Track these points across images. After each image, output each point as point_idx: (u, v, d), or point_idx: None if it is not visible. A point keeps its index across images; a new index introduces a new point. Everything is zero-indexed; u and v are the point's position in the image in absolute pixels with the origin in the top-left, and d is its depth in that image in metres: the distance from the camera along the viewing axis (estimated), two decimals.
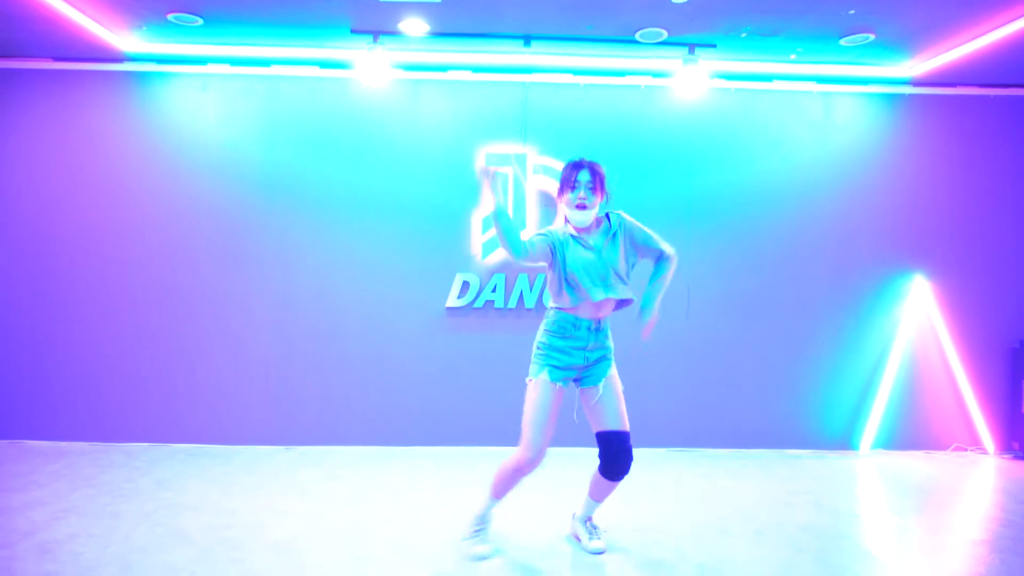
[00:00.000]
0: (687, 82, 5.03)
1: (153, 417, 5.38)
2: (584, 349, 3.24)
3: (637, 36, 4.87)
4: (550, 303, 3.32)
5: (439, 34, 4.92)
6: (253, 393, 5.41)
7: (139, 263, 5.38)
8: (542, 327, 3.31)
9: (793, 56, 5.19)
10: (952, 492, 4.58)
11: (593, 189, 3.17)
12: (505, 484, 3.34)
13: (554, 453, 5.19)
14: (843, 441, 5.55)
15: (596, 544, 3.47)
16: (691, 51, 4.93)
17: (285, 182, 5.41)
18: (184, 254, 5.38)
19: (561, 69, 5.45)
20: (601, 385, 3.25)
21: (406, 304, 5.43)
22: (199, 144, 5.39)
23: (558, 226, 3.26)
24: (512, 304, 5.42)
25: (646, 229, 3.28)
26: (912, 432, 5.56)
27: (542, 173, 5.44)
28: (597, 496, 3.45)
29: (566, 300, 3.19)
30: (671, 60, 5.24)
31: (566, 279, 3.17)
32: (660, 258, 3.31)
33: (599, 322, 3.23)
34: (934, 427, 5.57)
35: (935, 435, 5.57)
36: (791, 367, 5.53)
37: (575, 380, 3.32)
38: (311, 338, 5.42)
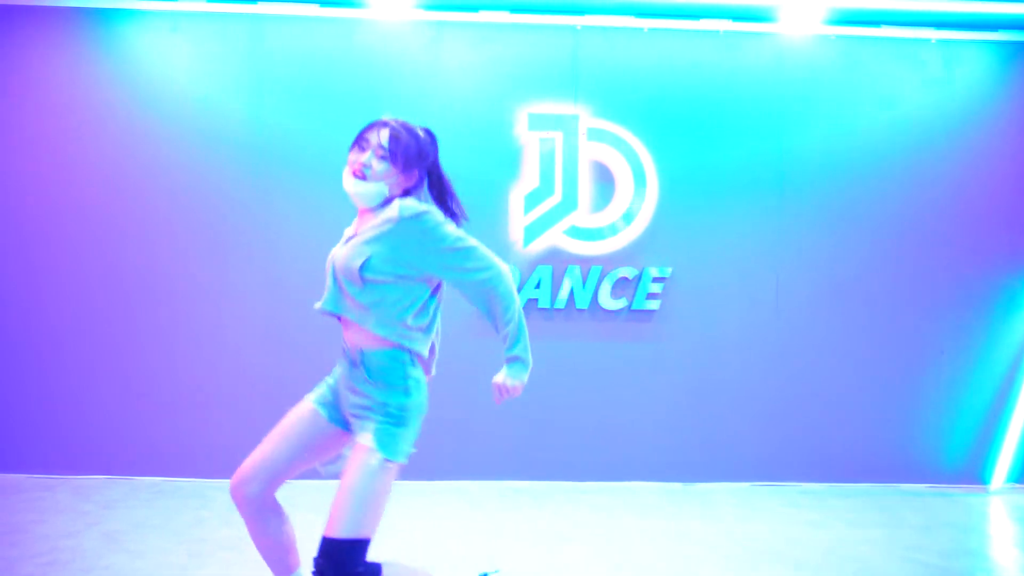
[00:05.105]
0: (796, 20, 3.98)
1: (111, 443, 4.37)
2: (346, 383, 2.22)
3: None
4: None
5: None
6: (237, 411, 4.37)
7: (92, 248, 4.38)
8: None
9: None
10: None
11: (386, 157, 2.15)
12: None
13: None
14: (969, 474, 4.55)
15: None
16: None
17: (274, 147, 4.42)
18: (149, 237, 4.38)
19: (620, 8, 4.40)
20: (346, 452, 2.21)
21: None
22: (168, 99, 4.41)
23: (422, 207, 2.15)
24: (560, 304, 4.39)
25: (458, 245, 2.10)
26: None
27: (598, 140, 4.39)
28: None
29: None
30: None
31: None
32: (479, 290, 2.13)
33: (357, 353, 2.17)
34: None
35: None
36: (904, 381, 4.54)
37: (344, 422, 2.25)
38: (308, 342, 4.39)
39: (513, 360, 2.13)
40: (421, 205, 2.12)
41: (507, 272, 2.13)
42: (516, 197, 4.39)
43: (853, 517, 3.94)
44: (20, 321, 4.35)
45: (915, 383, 4.55)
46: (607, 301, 4.39)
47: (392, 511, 3.83)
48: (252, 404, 4.37)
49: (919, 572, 3.24)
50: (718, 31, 4.49)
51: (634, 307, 4.40)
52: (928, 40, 4.57)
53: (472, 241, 2.12)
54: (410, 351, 2.15)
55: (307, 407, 2.31)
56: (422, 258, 2.10)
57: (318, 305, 2.26)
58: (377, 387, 2.13)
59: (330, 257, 2.23)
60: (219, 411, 4.38)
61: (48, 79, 4.37)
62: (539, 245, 4.37)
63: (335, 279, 2.20)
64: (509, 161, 4.41)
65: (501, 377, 2.13)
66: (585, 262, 4.39)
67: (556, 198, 4.34)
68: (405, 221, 2.09)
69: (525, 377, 2.14)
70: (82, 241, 4.37)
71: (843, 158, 4.55)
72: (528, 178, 4.37)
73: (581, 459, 4.40)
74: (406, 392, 2.14)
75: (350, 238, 2.20)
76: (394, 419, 2.12)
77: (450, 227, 2.12)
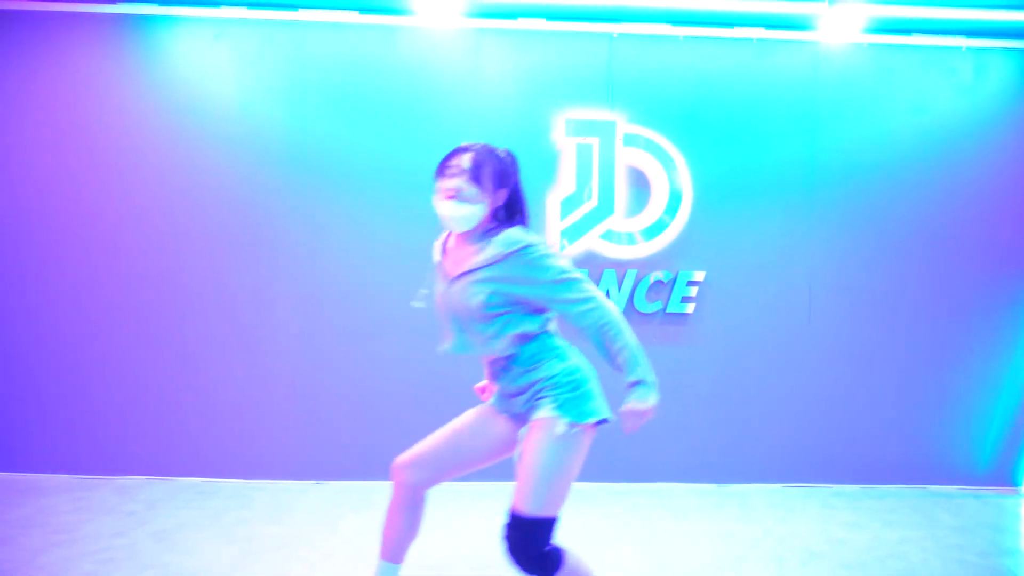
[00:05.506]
0: (830, 28, 4.03)
1: (153, 444, 4.37)
2: (507, 395, 2.33)
3: None
4: None
5: None
6: (275, 414, 4.40)
7: (133, 255, 4.37)
8: None
9: None
10: None
11: (474, 178, 2.20)
12: None
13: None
14: (999, 475, 4.55)
15: None
16: None
17: (314, 155, 4.41)
18: (189, 244, 4.38)
19: (656, 16, 4.43)
20: (521, 433, 2.27)
21: None
22: (208, 106, 4.39)
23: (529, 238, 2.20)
24: None
25: (561, 278, 2.13)
26: None
27: (634, 145, 4.43)
28: None
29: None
30: (804, 2, 4.24)
31: None
32: (585, 322, 2.15)
33: (503, 362, 2.27)
34: None
35: None
36: (935, 383, 4.54)
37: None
38: (347, 347, 4.40)
39: (635, 384, 2.13)
40: (526, 237, 2.16)
41: (609, 302, 2.17)
42: (553, 202, 4.42)
43: (889, 518, 3.96)
44: (60, 323, 4.35)
45: (946, 385, 4.55)
46: (642, 304, 4.43)
47: (439, 511, 3.88)
48: (290, 408, 4.40)
49: (962, 570, 3.28)
50: (752, 39, 4.51)
51: (669, 310, 4.44)
52: (959, 48, 4.60)
53: (575, 273, 2.15)
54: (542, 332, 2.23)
55: (485, 408, 2.39)
56: (528, 290, 2.15)
57: (444, 348, 2.35)
58: (535, 370, 2.19)
59: (437, 298, 2.32)
60: (258, 414, 4.39)
61: (90, 86, 4.35)
62: (575, 249, 4.40)
63: (455, 319, 2.28)
64: (546, 166, 4.41)
65: (630, 404, 2.13)
66: (620, 266, 4.42)
67: (592, 203, 4.39)
68: (510, 256, 2.14)
69: (652, 396, 2.13)
70: (124, 246, 4.36)
71: (875, 164, 4.55)
72: (565, 183, 4.41)
73: (617, 460, 4.42)
74: (560, 358, 2.21)
75: (456, 277, 2.24)
76: (567, 386, 2.17)
77: (555, 260, 2.15)
